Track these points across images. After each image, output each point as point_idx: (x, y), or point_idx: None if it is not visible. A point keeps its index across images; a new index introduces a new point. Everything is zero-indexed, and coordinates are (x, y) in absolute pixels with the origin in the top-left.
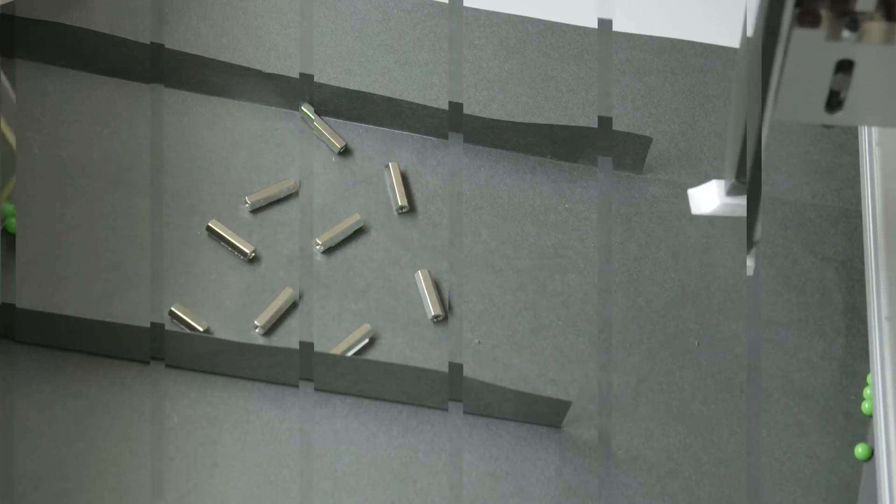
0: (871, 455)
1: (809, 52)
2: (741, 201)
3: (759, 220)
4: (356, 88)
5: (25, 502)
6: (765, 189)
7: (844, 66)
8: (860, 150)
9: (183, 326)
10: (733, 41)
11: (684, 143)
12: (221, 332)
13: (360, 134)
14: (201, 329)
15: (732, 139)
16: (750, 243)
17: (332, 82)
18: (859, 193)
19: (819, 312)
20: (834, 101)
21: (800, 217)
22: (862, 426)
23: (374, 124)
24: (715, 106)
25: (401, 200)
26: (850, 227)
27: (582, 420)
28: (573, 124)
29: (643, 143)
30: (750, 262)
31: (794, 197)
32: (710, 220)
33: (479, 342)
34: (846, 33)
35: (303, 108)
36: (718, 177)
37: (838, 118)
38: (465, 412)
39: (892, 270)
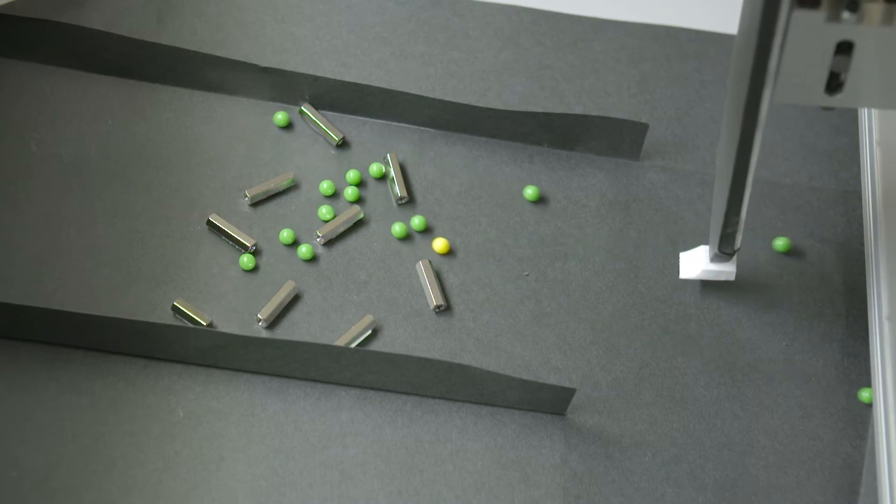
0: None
1: (809, 33)
2: (724, 267)
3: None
4: (352, 81)
5: (33, 499)
6: (762, 173)
7: (844, 48)
8: (860, 139)
9: (186, 321)
10: (727, 27)
11: (680, 128)
12: (224, 326)
13: (358, 126)
14: (204, 323)
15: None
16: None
17: (329, 75)
18: (856, 175)
19: (819, 294)
20: (834, 83)
21: (798, 200)
22: (865, 407)
23: (371, 116)
24: (710, 91)
25: (400, 192)
26: (848, 208)
27: (586, 407)
28: (569, 112)
29: (640, 129)
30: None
31: (791, 180)
32: (707, 207)
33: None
34: (846, 14)
35: (302, 107)
36: (714, 161)
37: (838, 100)
38: (469, 401)
39: (892, 270)
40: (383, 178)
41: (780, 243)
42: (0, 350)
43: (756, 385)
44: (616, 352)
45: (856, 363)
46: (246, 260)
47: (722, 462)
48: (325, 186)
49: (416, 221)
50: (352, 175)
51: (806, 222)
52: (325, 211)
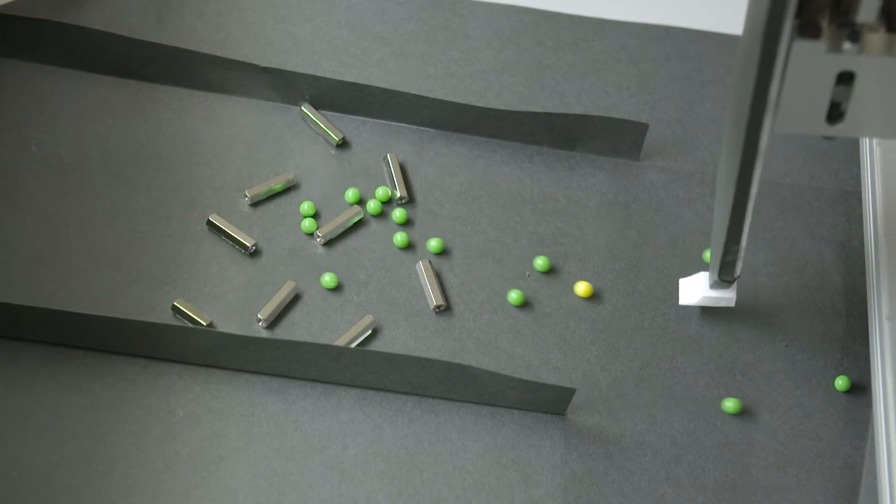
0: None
1: (810, 63)
2: (724, 294)
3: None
4: (352, 81)
5: (33, 499)
6: (763, 173)
7: (845, 78)
8: (860, 139)
9: (186, 321)
10: (727, 27)
11: (680, 129)
12: (224, 326)
13: (358, 126)
14: (204, 323)
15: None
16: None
17: (329, 75)
18: (856, 175)
19: (819, 294)
20: (835, 113)
21: (797, 200)
22: (865, 407)
23: (371, 116)
24: (710, 91)
25: (400, 192)
26: (847, 208)
27: (586, 407)
28: (569, 112)
29: (640, 129)
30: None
31: (791, 180)
32: (708, 207)
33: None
34: (847, 45)
35: (302, 107)
36: (714, 161)
37: (839, 130)
38: (469, 401)
39: (892, 270)
40: (389, 201)
41: (730, 405)
42: (0, 350)
43: (756, 385)
44: (616, 352)
45: (856, 363)
46: (328, 279)
47: (722, 462)
48: (350, 195)
49: (434, 244)
50: (379, 194)
51: (806, 222)
52: (306, 207)
